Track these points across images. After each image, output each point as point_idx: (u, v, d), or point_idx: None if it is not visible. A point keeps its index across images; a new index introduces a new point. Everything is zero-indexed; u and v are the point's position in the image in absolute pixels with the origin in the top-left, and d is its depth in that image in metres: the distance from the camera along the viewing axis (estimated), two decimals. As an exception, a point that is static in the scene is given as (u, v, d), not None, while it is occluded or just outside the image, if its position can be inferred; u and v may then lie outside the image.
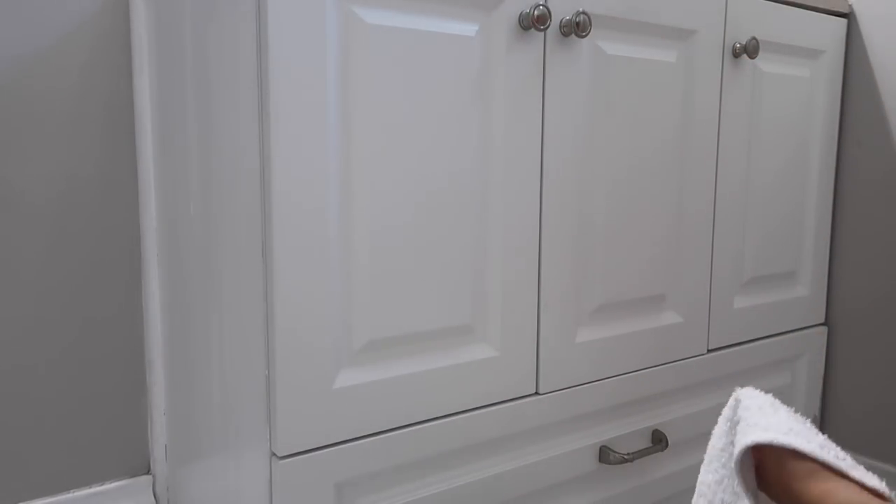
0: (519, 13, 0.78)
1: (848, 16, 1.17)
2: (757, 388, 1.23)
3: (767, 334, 1.12)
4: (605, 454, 0.92)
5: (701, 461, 1.11)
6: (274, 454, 0.69)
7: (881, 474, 1.18)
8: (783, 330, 1.15)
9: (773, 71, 1.06)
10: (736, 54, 1.00)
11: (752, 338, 1.10)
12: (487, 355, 0.81)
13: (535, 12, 0.77)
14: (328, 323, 0.69)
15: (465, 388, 0.79)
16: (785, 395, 1.17)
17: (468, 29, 0.75)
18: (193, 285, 0.87)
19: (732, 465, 0.52)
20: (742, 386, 1.16)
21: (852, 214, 1.19)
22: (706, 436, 1.06)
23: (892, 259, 1.15)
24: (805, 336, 1.18)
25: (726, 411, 0.55)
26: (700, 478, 0.59)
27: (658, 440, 0.97)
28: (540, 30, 0.78)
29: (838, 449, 0.49)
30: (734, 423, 0.53)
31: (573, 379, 0.89)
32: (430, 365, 0.77)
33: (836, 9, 1.14)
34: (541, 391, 0.86)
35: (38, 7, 0.92)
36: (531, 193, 0.82)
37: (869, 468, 1.25)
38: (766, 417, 0.51)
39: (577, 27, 0.81)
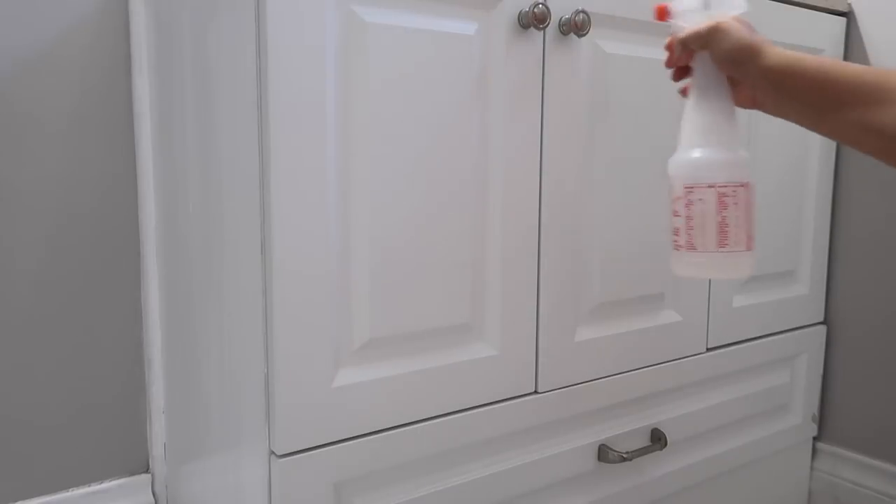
0: (518, 12, 0.78)
1: (847, 15, 1.17)
2: (756, 386, 1.23)
3: (766, 333, 1.12)
4: (604, 453, 0.92)
5: (700, 460, 1.11)
6: (273, 453, 0.69)
7: (881, 473, 1.18)
8: (782, 329, 1.15)
9: (773, 70, 1.06)
10: (735, 53, 0.99)
11: (751, 336, 1.10)
12: (487, 354, 0.81)
13: (535, 11, 0.77)
14: (327, 321, 0.69)
15: (465, 387, 0.79)
16: (784, 394, 1.17)
17: (467, 28, 0.75)
18: (192, 283, 0.87)
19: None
20: (741, 386, 1.16)
21: (851, 213, 1.19)
22: (705, 435, 1.06)
23: (891, 258, 1.15)
24: (804, 335, 1.18)
25: None
26: None
27: (657, 439, 0.97)
28: (539, 28, 0.78)
29: None
30: None
31: (572, 378, 0.89)
32: (430, 364, 0.77)
33: (835, 8, 1.14)
34: (540, 390, 0.86)
35: (36, 7, 0.92)
36: (530, 192, 0.82)
37: (868, 467, 1.25)
38: None
39: (576, 26, 0.80)
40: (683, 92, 0.68)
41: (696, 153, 0.64)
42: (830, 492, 1.24)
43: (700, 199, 0.63)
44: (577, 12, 0.80)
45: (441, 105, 0.74)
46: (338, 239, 0.69)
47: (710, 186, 0.63)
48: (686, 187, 0.64)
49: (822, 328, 1.22)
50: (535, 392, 0.86)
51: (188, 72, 0.83)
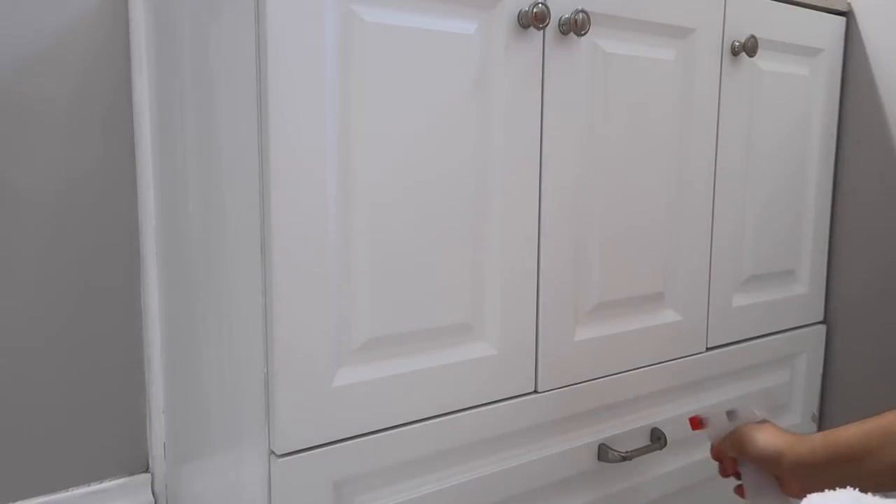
0: (518, 11, 0.78)
1: (847, 14, 1.17)
2: (756, 386, 1.22)
3: (766, 332, 1.12)
4: (603, 452, 0.92)
5: (699, 459, 1.11)
6: (273, 452, 0.69)
7: (880, 472, 1.18)
8: (782, 328, 1.15)
9: (772, 69, 1.06)
10: (735, 52, 1.00)
11: (750, 336, 1.10)
12: (486, 353, 0.81)
13: (534, 10, 0.77)
14: (327, 321, 0.69)
15: (464, 387, 0.79)
16: (783, 394, 1.17)
17: (467, 27, 0.75)
18: (192, 283, 0.87)
19: None
20: (741, 385, 1.14)
21: (851, 212, 1.19)
22: (705, 434, 1.06)
23: (890, 257, 1.15)
24: (804, 334, 1.18)
25: None
26: None
27: (657, 438, 0.97)
28: (539, 28, 0.78)
29: None
30: None
31: (572, 377, 0.89)
32: (429, 363, 0.77)
33: (834, 7, 1.14)
34: (539, 389, 0.86)
35: (36, 6, 0.92)
36: (530, 192, 0.82)
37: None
38: None
39: (576, 25, 0.80)
40: (738, 492, 0.74)
41: None
42: (830, 491, 1.24)
43: None
44: (577, 12, 0.80)
45: (440, 104, 0.74)
46: (337, 238, 0.69)
47: None
48: None
49: (822, 328, 1.22)
50: (535, 392, 0.86)
51: (188, 71, 0.83)
